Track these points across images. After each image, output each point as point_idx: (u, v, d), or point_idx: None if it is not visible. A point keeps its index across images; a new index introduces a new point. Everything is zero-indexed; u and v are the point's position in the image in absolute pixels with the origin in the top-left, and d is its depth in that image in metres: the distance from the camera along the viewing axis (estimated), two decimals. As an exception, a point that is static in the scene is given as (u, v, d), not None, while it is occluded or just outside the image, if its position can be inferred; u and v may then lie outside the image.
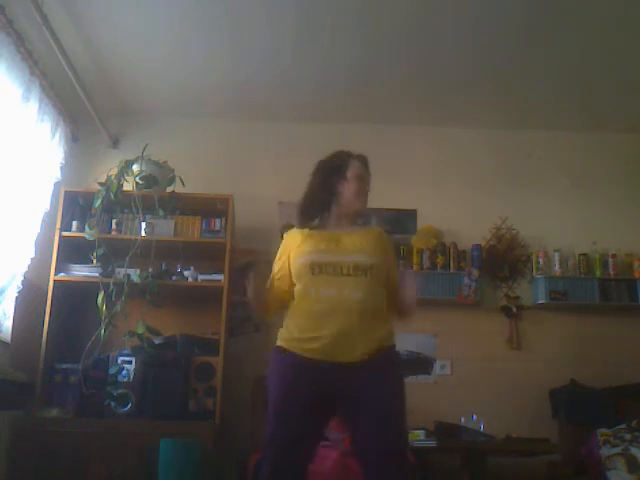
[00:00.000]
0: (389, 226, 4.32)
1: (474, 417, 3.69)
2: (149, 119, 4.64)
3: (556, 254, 4.40)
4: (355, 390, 2.20)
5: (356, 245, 2.34)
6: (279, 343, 2.33)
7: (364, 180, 2.46)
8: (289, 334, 2.31)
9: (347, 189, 2.42)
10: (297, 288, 2.34)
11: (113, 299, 3.67)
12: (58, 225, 3.92)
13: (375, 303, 2.29)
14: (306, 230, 2.43)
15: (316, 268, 2.28)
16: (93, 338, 3.60)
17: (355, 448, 2.30)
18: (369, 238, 2.39)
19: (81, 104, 4.13)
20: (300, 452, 2.22)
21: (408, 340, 4.31)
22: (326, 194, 2.44)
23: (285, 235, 2.51)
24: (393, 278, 2.42)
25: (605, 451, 3.50)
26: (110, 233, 3.98)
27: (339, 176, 2.44)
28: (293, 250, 2.39)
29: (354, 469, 2.98)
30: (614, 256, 4.39)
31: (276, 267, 2.44)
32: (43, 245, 3.80)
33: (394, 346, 2.33)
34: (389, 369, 2.28)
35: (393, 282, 2.41)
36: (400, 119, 4.66)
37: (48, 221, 3.88)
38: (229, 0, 3.47)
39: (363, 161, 2.50)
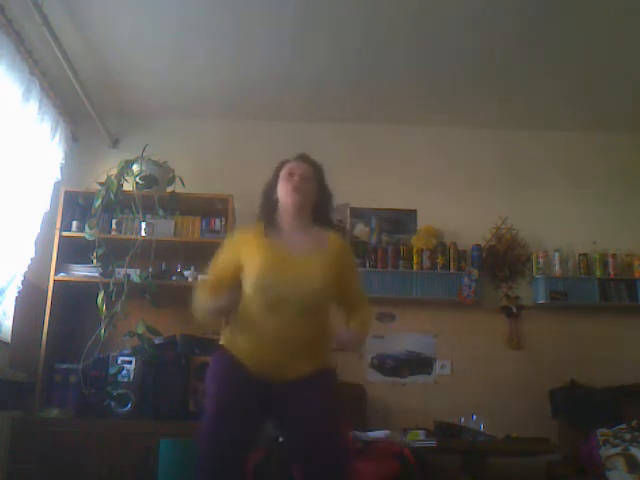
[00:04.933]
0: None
1: (474, 417, 3.70)
2: (149, 119, 4.64)
3: (556, 254, 4.40)
4: (287, 404, 2.20)
5: (307, 270, 2.23)
6: (222, 342, 2.32)
7: (293, 175, 2.34)
8: (232, 337, 2.30)
9: (280, 191, 2.36)
10: (245, 294, 2.27)
11: (113, 299, 3.67)
12: (58, 225, 3.93)
13: (318, 330, 2.26)
14: (260, 234, 2.33)
15: (263, 291, 2.22)
16: (93, 338, 3.61)
17: (290, 454, 2.31)
18: (324, 256, 2.27)
19: (81, 104, 4.13)
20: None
21: (408, 340, 4.33)
22: (269, 207, 2.38)
23: (237, 234, 2.48)
24: (350, 290, 2.36)
25: (605, 451, 3.50)
26: (110, 233, 3.99)
27: (275, 185, 2.39)
28: (244, 253, 2.30)
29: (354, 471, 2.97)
30: (614, 256, 4.39)
31: (219, 260, 2.36)
32: (43, 245, 3.81)
33: (333, 368, 2.32)
34: (324, 386, 2.25)
35: (350, 295, 2.36)
36: (400, 119, 4.66)
37: (48, 221, 3.89)
38: (229, 0, 3.48)
39: (298, 158, 2.42)
